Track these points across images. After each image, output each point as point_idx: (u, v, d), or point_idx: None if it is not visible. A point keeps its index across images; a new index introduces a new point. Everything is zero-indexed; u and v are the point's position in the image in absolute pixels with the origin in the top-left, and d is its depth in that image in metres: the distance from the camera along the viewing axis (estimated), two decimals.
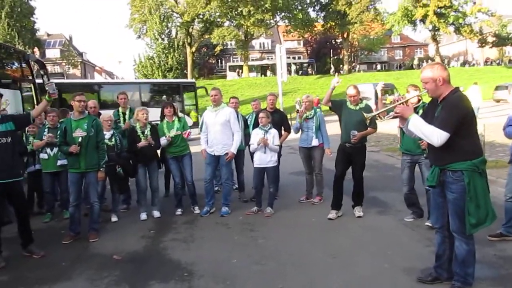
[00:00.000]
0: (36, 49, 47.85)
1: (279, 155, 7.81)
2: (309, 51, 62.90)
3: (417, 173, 5.94)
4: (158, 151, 7.14)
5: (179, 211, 7.06)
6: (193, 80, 29.56)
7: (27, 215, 5.58)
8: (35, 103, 11.14)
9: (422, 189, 5.72)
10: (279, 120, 7.53)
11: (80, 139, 5.74)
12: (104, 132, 6.63)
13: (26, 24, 40.15)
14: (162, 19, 41.90)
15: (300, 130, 7.36)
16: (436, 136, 3.53)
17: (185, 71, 45.20)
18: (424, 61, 56.43)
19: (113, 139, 6.72)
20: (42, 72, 12.76)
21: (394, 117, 3.88)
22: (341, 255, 4.91)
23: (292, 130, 7.70)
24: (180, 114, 7.21)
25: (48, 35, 63.64)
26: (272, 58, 53.07)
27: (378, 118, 4.74)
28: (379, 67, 64.65)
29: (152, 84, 24.74)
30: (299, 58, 65.00)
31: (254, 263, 4.80)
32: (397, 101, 3.85)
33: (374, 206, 6.84)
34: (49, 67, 59.35)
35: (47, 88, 5.55)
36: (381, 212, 6.58)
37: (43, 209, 7.45)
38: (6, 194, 5.21)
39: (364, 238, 5.48)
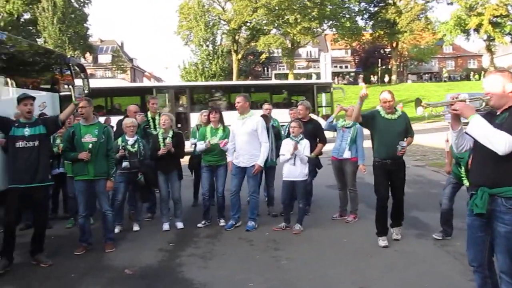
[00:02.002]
0: (88, 54, 49.53)
1: (318, 167, 7.34)
2: (356, 60, 61.72)
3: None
4: (182, 160, 6.82)
5: (202, 224, 6.70)
6: (330, 80, 28.11)
7: (44, 223, 5.40)
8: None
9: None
10: (313, 131, 7.03)
11: (90, 145, 5.50)
12: (127, 138, 6.43)
13: (79, 30, 41.39)
14: (208, 26, 42.24)
15: (331, 129, 6.97)
16: (504, 141, 2.87)
17: (230, 78, 45.35)
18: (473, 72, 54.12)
19: (136, 145, 6.45)
20: (82, 76, 12.91)
21: (452, 114, 3.20)
22: (372, 285, 4.36)
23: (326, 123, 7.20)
24: (226, 124, 6.86)
25: (101, 41, 65.70)
26: (318, 67, 52.48)
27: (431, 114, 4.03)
28: (427, 77, 62.47)
29: (283, 85, 24.18)
30: (346, 67, 63.96)
31: None
32: (455, 98, 3.18)
33: (413, 228, 6.20)
34: (101, 72, 61.39)
35: (75, 93, 5.42)
36: (420, 236, 5.92)
37: (68, 213, 7.31)
38: (28, 199, 5.05)
39: (399, 265, 4.89)
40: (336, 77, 39.20)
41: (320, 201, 7.94)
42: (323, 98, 21.93)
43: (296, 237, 6.09)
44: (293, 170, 6.30)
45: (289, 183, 6.36)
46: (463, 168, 5.28)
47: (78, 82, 11.79)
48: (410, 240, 5.75)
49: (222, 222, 6.73)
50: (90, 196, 5.68)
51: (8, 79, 8.37)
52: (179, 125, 15.60)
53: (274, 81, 31.72)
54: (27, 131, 5.04)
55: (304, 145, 6.33)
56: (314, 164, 7.13)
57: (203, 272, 4.84)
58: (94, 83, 20.98)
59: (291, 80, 32.51)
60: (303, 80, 31.76)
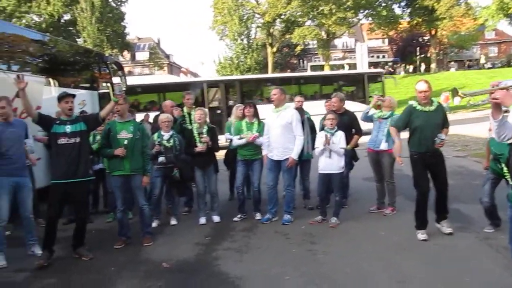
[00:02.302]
0: (125, 52, 50.51)
1: (355, 160, 7.25)
2: (394, 50, 60.29)
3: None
4: (217, 154, 6.87)
5: (238, 217, 6.74)
6: (380, 70, 27.70)
7: (85, 218, 5.57)
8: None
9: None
10: (349, 122, 6.92)
11: (125, 142, 5.59)
12: (162, 133, 6.52)
13: (117, 29, 42.23)
14: (242, 20, 42.24)
15: (367, 120, 6.82)
16: None
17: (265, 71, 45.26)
18: None
19: (171, 140, 6.53)
20: (120, 73, 13.20)
21: (492, 103, 3.04)
22: (410, 280, 4.26)
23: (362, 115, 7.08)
24: (261, 118, 6.85)
25: (139, 38, 66.89)
26: (354, 57, 51.60)
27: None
28: (469, 64, 60.35)
29: (333, 76, 23.96)
30: (383, 57, 62.64)
31: (307, 283, 4.31)
32: (496, 86, 3.01)
33: (455, 221, 5.96)
34: (138, 69, 62.59)
35: (115, 90, 5.53)
36: (462, 229, 5.72)
37: (108, 208, 7.50)
38: (69, 194, 5.21)
39: (439, 260, 4.75)
40: (372, 67, 38.36)
41: (357, 194, 7.83)
42: (374, 88, 21.15)
43: (332, 230, 6.03)
44: (329, 163, 6.23)
45: (325, 175, 6.29)
46: (503, 164, 5.05)
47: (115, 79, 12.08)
48: None
49: (258, 216, 6.74)
50: (127, 191, 5.80)
51: (51, 79, 8.67)
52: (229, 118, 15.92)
53: (324, 72, 31.15)
54: (68, 128, 5.18)
55: (340, 137, 6.25)
56: (351, 156, 7.04)
57: (239, 266, 4.87)
58: (147, 80, 21.50)
59: (342, 70, 31.70)
60: (354, 70, 31.02)
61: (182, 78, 27.93)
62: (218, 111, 18.97)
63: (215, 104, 19.48)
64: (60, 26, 41.61)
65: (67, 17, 42.37)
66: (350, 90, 21.35)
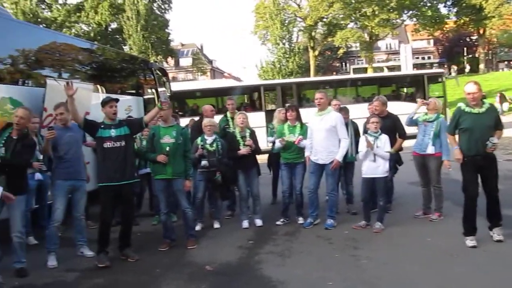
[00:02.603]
0: (169, 58, 51.59)
1: (399, 164, 7.11)
2: (439, 51, 58.63)
3: None
4: (259, 157, 6.90)
5: (280, 221, 6.74)
6: (441, 70, 27.12)
7: (131, 219, 5.74)
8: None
9: None
10: (392, 125, 6.80)
11: (168, 148, 5.70)
12: (206, 138, 6.60)
13: (161, 36, 43.24)
14: (283, 24, 42.28)
15: (412, 124, 6.67)
16: None
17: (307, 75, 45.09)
18: None
19: (214, 144, 6.62)
20: (164, 80, 13.50)
21: None
22: None
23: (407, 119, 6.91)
24: (304, 121, 6.86)
25: (182, 44, 68.16)
26: (398, 59, 50.52)
27: None
28: None
29: (392, 77, 23.41)
30: (428, 58, 61.00)
31: None
32: None
33: (506, 227, 5.70)
34: (182, 75, 63.74)
35: (159, 96, 5.67)
36: None
37: (153, 210, 7.67)
38: (117, 197, 5.38)
39: (488, 267, 4.57)
40: (416, 69, 37.37)
41: (401, 198, 7.66)
42: (434, 89, 20.67)
43: (376, 235, 5.93)
44: (373, 167, 6.14)
45: (369, 180, 6.21)
46: None
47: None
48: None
49: (300, 220, 6.72)
50: (170, 194, 5.92)
51: (98, 86, 8.97)
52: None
53: (382, 73, 30.41)
54: (113, 132, 5.33)
55: (384, 141, 6.15)
56: (395, 160, 6.90)
57: (281, 270, 4.86)
58: (205, 85, 21.96)
59: (400, 71, 30.72)
60: (414, 71, 30.14)
61: (239, 82, 28.39)
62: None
63: (272, 107, 19.52)
64: (107, 34, 43.10)
65: (114, 25, 43.86)
66: (409, 91, 20.79)
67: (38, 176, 6.23)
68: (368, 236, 5.89)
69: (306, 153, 6.55)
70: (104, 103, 5.44)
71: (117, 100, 5.57)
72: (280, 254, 5.40)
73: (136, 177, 5.71)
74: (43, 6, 41.85)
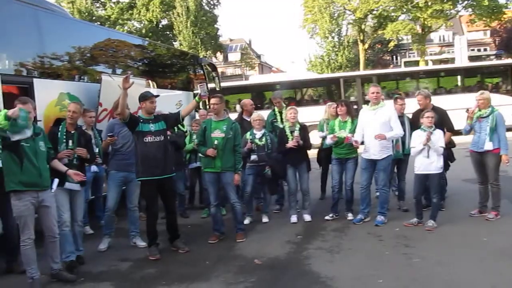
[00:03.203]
0: (218, 54, 52.11)
1: (451, 160, 6.86)
2: (497, 42, 55.94)
3: None
4: (309, 152, 6.84)
5: (329, 216, 6.67)
6: None
7: (175, 211, 5.87)
8: (207, 103, 11.92)
9: None
10: (438, 120, 6.52)
11: (216, 142, 5.75)
12: (255, 132, 6.63)
13: (210, 31, 43.71)
14: (332, 17, 41.71)
15: (470, 132, 6.34)
16: None
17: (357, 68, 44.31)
18: None
19: (263, 139, 6.63)
20: (214, 74, 13.67)
21: None
22: None
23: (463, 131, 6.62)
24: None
25: (231, 40, 68.69)
26: (452, 52, 48.60)
27: None
28: None
29: (476, 68, 21.70)
30: (485, 50, 58.34)
31: None
32: None
33: None
34: (231, 70, 64.33)
35: (199, 90, 5.72)
36: None
37: (203, 204, 7.80)
38: (160, 190, 5.49)
39: None
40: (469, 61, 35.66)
41: (455, 196, 7.40)
42: None
43: (429, 234, 5.74)
44: (426, 163, 5.94)
45: (422, 176, 6.03)
46: None
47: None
48: None
49: (350, 216, 6.64)
50: (219, 187, 5.99)
51: (150, 81, 9.21)
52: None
53: (465, 63, 28.91)
54: (152, 127, 5.40)
55: (438, 136, 5.94)
56: (446, 156, 6.64)
57: (330, 266, 4.82)
58: (284, 77, 22.12)
59: (485, 61, 28.93)
60: (500, 60, 28.48)
61: (318, 75, 28.50)
62: (355, 106, 18.80)
63: (351, 99, 19.29)
64: (158, 31, 44.02)
65: (164, 22, 44.71)
66: (494, 82, 19.76)
67: (94, 168, 6.50)
68: (420, 234, 5.73)
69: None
70: (144, 97, 5.46)
71: (156, 96, 5.63)
72: (329, 250, 5.35)
73: (174, 170, 5.81)
74: (98, 5, 43.30)
